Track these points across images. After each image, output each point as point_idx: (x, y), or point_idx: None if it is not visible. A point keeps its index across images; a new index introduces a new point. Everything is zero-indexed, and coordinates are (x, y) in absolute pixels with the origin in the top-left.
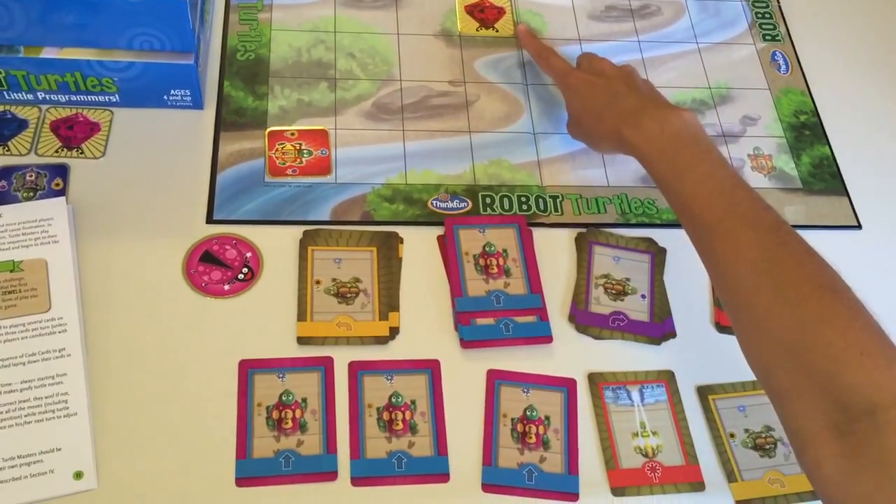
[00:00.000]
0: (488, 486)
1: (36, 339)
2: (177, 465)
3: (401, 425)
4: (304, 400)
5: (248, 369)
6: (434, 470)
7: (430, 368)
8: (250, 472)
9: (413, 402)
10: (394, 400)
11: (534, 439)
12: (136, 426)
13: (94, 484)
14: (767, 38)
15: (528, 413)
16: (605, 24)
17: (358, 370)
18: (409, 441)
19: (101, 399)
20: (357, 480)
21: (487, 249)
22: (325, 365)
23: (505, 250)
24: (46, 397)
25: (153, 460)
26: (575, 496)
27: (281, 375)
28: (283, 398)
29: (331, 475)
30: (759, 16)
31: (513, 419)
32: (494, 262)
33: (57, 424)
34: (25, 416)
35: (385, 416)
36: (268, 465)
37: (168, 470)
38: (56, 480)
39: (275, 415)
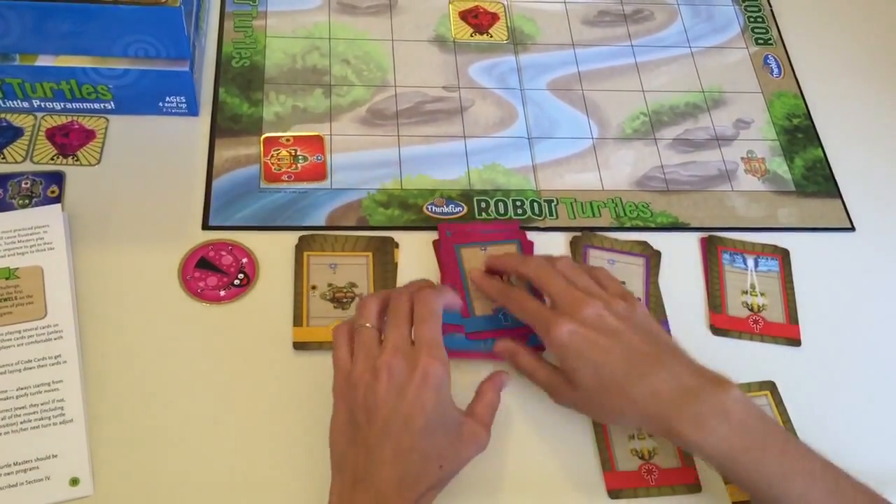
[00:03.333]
0: None
1: (32, 346)
2: (173, 472)
3: None
4: None
5: None
6: None
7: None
8: None
9: None
10: None
11: None
12: (132, 433)
13: (91, 490)
14: (760, 41)
15: None
16: (599, 29)
17: (454, 244)
18: None
19: (98, 406)
20: (472, 335)
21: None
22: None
23: None
24: (42, 404)
25: (149, 467)
26: None
27: None
28: None
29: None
30: (752, 20)
31: None
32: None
33: (53, 431)
34: (21, 423)
35: None
36: None
37: (164, 476)
38: (52, 487)
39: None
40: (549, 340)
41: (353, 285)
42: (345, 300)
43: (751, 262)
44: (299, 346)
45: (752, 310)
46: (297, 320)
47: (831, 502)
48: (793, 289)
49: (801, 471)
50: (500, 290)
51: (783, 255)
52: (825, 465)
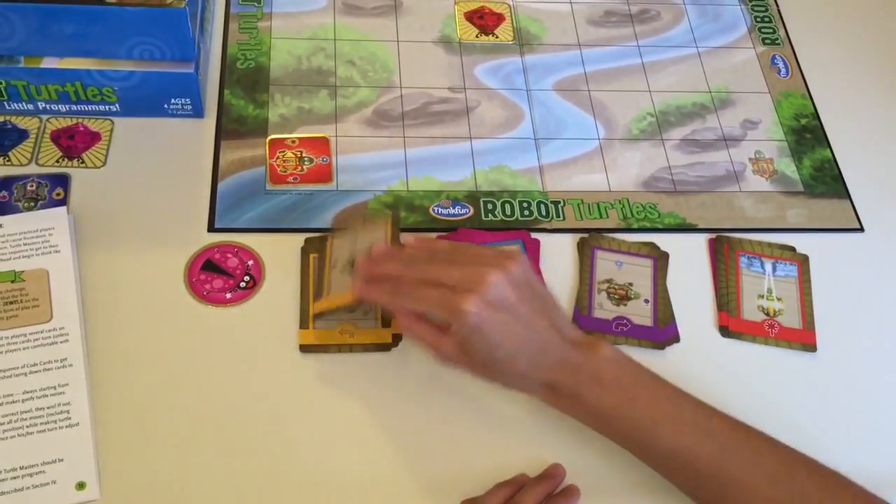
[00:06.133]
0: None
1: (37, 349)
2: (179, 476)
3: None
4: None
5: None
6: None
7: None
8: None
9: None
10: None
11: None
12: (138, 436)
13: (97, 494)
14: (767, 41)
15: None
16: (605, 30)
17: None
18: None
19: (104, 409)
20: None
21: None
22: None
23: None
24: (48, 408)
25: (156, 470)
26: None
27: None
28: None
29: None
30: (759, 20)
31: None
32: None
33: (59, 435)
34: (27, 426)
35: None
36: None
37: (170, 480)
38: (58, 491)
39: None
40: (458, 322)
41: None
42: None
43: (769, 267)
44: (306, 348)
45: (767, 314)
46: (304, 322)
47: (703, 442)
48: (811, 295)
49: (670, 416)
50: (389, 291)
51: (802, 261)
52: (696, 408)
